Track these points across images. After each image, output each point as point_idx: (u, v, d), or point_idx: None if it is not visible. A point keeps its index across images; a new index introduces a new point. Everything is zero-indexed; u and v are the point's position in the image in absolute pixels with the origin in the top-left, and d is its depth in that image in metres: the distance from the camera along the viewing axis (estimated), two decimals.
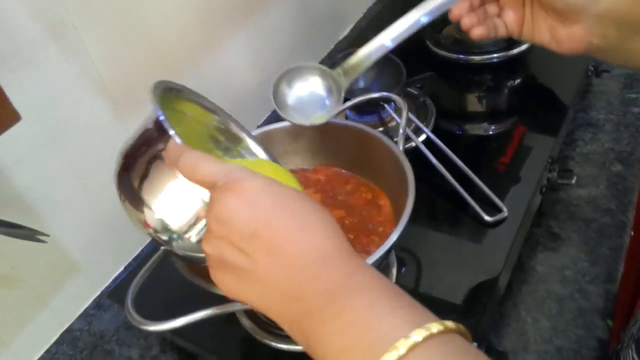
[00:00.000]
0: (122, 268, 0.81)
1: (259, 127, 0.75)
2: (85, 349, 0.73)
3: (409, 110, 0.79)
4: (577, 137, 0.88)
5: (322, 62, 1.15)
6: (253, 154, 0.57)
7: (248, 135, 0.58)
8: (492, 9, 0.54)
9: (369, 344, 0.29)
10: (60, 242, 0.72)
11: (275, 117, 1.03)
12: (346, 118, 0.83)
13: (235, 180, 0.35)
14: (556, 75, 0.91)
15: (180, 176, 0.40)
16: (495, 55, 0.96)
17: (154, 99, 0.45)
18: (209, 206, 0.36)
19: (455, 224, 0.69)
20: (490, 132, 0.84)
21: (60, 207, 0.70)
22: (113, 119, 0.74)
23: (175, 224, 0.42)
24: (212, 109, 0.56)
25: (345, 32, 1.24)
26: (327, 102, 0.59)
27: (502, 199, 0.68)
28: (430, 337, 0.29)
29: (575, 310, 0.66)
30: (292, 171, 0.66)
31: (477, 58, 0.96)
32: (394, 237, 0.48)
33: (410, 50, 1.03)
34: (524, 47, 0.95)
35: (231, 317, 0.63)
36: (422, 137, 0.78)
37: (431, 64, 0.96)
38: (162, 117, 0.41)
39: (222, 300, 0.47)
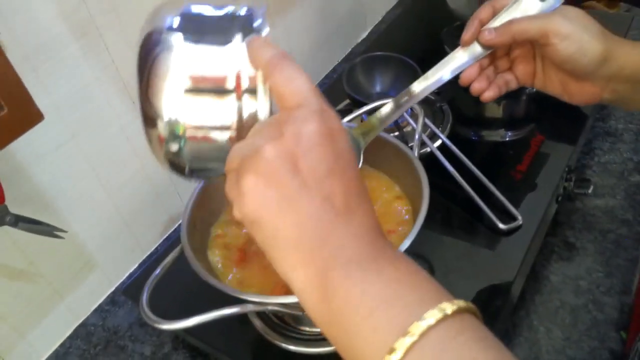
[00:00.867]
0: (136, 265, 0.82)
1: None
2: (98, 343, 0.74)
3: (425, 115, 0.78)
4: (595, 146, 0.87)
5: (339, 64, 1.16)
6: None
7: None
8: (502, 63, 0.54)
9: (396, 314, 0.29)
10: (77, 239, 0.73)
11: None
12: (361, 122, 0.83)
13: (328, 113, 0.33)
14: None
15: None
16: None
17: None
18: (288, 118, 0.33)
19: (470, 231, 0.69)
20: (507, 139, 0.83)
21: (79, 204, 0.71)
22: (132, 118, 0.75)
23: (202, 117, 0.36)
24: None
25: (364, 35, 1.24)
26: None
27: (517, 207, 0.68)
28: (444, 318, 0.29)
29: (589, 321, 0.66)
30: None
31: None
32: (407, 243, 0.48)
33: (428, 55, 1.03)
34: None
35: (243, 318, 0.63)
36: (438, 142, 0.78)
37: None
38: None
39: (235, 301, 0.47)
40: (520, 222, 0.66)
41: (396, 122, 0.80)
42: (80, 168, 0.70)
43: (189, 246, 0.52)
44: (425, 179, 0.54)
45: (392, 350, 0.28)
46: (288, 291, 0.52)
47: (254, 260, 0.57)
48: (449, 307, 0.29)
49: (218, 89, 0.36)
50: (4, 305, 0.66)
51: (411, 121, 0.78)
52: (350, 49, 1.20)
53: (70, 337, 0.75)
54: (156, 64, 0.37)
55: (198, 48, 0.36)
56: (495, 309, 0.59)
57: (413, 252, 0.66)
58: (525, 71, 0.52)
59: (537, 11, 0.48)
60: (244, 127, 0.36)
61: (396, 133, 0.81)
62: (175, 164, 0.39)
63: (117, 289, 0.80)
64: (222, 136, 0.36)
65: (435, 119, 0.84)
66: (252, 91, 0.36)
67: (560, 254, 0.74)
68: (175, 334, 0.72)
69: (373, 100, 0.70)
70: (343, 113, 0.70)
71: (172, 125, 0.37)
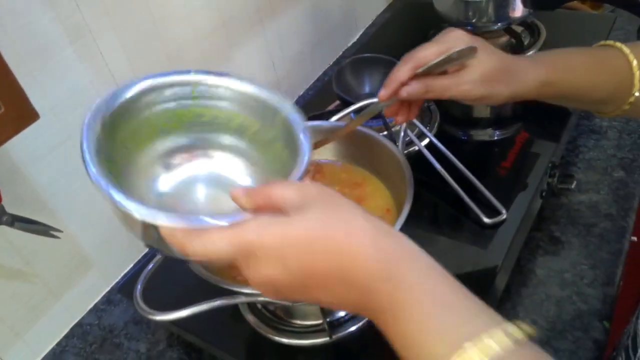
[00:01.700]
0: (132, 265, 0.83)
1: None
2: (94, 342, 0.75)
3: None
4: (580, 143, 0.89)
5: (331, 67, 1.18)
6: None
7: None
8: None
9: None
10: (73, 239, 0.74)
11: None
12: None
13: (252, 246, 0.34)
14: None
15: None
16: None
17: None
18: (245, 270, 0.35)
19: (456, 226, 0.71)
20: (496, 138, 0.85)
21: (75, 204, 0.73)
22: None
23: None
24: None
25: (355, 38, 1.26)
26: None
27: (502, 202, 0.70)
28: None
29: (573, 312, 0.68)
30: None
31: None
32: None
33: None
34: (528, 53, 0.97)
35: (236, 313, 0.64)
36: (426, 141, 0.80)
37: None
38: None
39: (227, 293, 0.49)
40: (505, 216, 0.68)
41: (384, 122, 0.82)
42: (75, 169, 0.72)
43: None
44: (409, 171, 0.56)
45: None
46: None
47: None
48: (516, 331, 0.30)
49: None
50: (1, 305, 0.68)
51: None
52: (341, 52, 1.22)
53: (66, 336, 0.76)
54: None
55: None
56: (480, 299, 0.60)
57: None
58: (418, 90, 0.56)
59: (448, 66, 0.52)
60: None
61: (385, 132, 0.82)
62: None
63: (112, 288, 0.81)
64: None
65: (423, 118, 0.86)
66: None
67: (545, 248, 0.75)
68: (170, 331, 0.73)
69: (361, 100, 0.72)
70: (332, 113, 0.72)
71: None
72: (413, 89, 0.53)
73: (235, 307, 0.65)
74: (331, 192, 0.36)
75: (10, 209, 0.61)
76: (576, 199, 0.81)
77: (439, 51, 0.52)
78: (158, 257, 0.54)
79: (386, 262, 0.33)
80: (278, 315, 0.63)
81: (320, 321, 0.60)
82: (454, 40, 0.53)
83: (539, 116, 0.86)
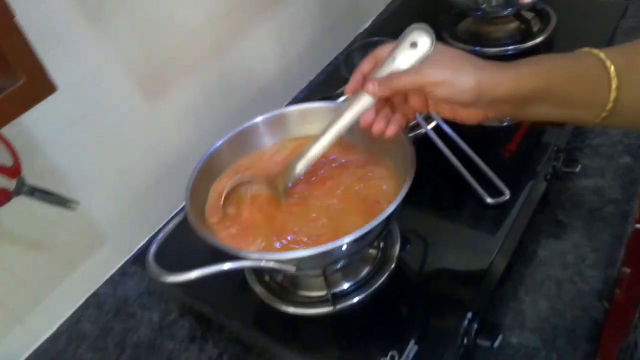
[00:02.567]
0: (145, 240, 0.86)
1: None
2: (110, 311, 0.78)
3: None
4: (587, 129, 0.90)
5: (342, 53, 1.19)
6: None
7: None
8: (397, 99, 0.57)
9: None
10: (90, 213, 0.77)
11: (292, 104, 1.08)
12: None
13: None
14: None
15: None
16: (510, 47, 0.99)
17: None
18: None
19: (459, 206, 0.72)
20: (505, 124, 0.85)
21: (91, 179, 0.76)
22: (140, 101, 0.79)
23: None
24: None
25: (366, 24, 1.27)
26: None
27: (505, 183, 0.71)
28: None
29: (573, 292, 0.69)
30: None
31: (492, 50, 0.99)
32: (391, 208, 0.52)
33: None
34: (538, 40, 0.97)
35: (244, 284, 0.67)
36: (433, 124, 0.81)
37: None
38: None
39: (234, 259, 0.52)
40: (507, 197, 0.69)
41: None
42: (91, 145, 0.75)
43: (191, 210, 0.56)
44: (411, 148, 0.58)
45: None
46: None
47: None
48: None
49: None
50: (22, 273, 0.71)
51: None
52: (352, 39, 1.24)
53: (83, 305, 0.80)
54: None
55: None
56: (480, 275, 0.62)
57: (406, 227, 0.69)
58: (418, 102, 0.56)
59: (414, 60, 0.52)
60: None
61: None
62: None
63: (127, 261, 0.84)
64: None
65: None
66: None
67: (548, 230, 0.77)
68: (182, 302, 0.76)
69: None
70: (340, 95, 0.74)
71: None
72: (377, 88, 0.53)
73: (243, 279, 0.68)
74: None
75: (30, 181, 0.64)
76: (581, 184, 0.82)
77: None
78: (171, 225, 0.57)
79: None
80: (284, 287, 0.65)
81: (324, 292, 0.62)
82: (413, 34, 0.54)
83: None
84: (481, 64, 0.52)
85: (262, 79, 1.01)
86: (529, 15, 1.02)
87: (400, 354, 0.56)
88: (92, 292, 0.81)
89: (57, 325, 0.78)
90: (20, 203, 0.66)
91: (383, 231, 0.59)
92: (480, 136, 0.84)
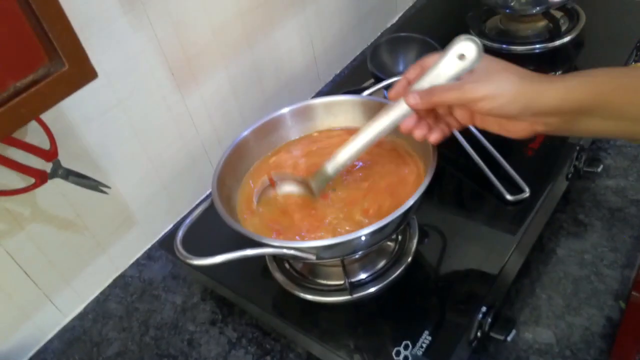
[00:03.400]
0: (172, 225, 0.89)
1: None
2: (135, 293, 0.81)
3: None
4: None
5: (369, 47, 1.20)
6: None
7: None
8: (442, 109, 0.56)
9: None
10: (120, 197, 0.80)
11: (319, 97, 1.09)
12: (384, 98, 0.87)
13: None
14: (597, 67, 0.93)
15: None
16: (537, 46, 0.98)
17: None
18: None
19: (479, 202, 0.73)
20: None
21: (122, 165, 0.79)
22: (172, 89, 0.82)
23: None
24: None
25: (394, 20, 1.28)
26: None
27: (526, 181, 0.72)
28: None
29: (590, 291, 0.69)
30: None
31: (519, 48, 0.99)
32: (410, 202, 0.53)
33: (453, 38, 1.07)
34: (566, 39, 0.97)
35: (265, 271, 0.69)
36: None
37: None
38: None
39: (257, 246, 0.54)
40: (527, 194, 0.70)
41: None
42: (124, 132, 0.78)
43: (218, 197, 0.58)
44: (433, 145, 0.59)
45: None
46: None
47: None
48: None
49: None
50: (53, 253, 0.74)
51: None
52: (379, 33, 1.24)
53: (110, 286, 0.83)
54: None
55: None
56: (496, 271, 0.63)
57: (425, 221, 0.71)
58: (463, 114, 0.54)
59: (459, 71, 0.51)
60: None
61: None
62: None
63: (153, 245, 0.87)
64: None
65: None
66: None
67: (568, 229, 0.77)
68: (204, 286, 0.79)
69: (393, 76, 0.75)
70: (366, 89, 0.75)
71: None
72: (417, 100, 0.52)
73: (264, 266, 0.70)
74: None
75: (65, 164, 0.67)
76: (603, 184, 0.82)
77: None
78: (198, 210, 0.59)
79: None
80: (304, 275, 0.67)
81: (341, 282, 0.64)
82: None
83: None
84: (528, 75, 0.50)
85: (289, 72, 1.03)
86: (557, 14, 1.02)
87: (414, 344, 0.58)
88: (119, 273, 0.84)
89: (85, 305, 0.81)
90: (55, 185, 0.69)
91: (402, 224, 0.60)
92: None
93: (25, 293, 0.73)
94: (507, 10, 1.00)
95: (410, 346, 0.58)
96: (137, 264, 0.85)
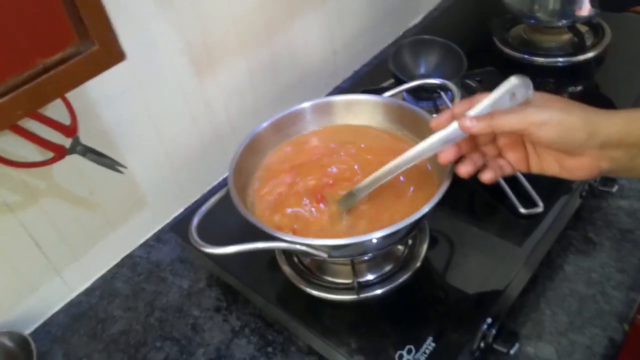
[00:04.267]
0: (182, 209, 0.90)
1: None
2: (142, 273, 0.82)
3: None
4: None
5: (389, 46, 1.20)
6: None
7: None
8: (489, 150, 0.53)
9: None
10: (133, 177, 0.81)
11: (336, 93, 1.09)
12: (403, 99, 0.87)
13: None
14: (618, 86, 0.92)
15: None
16: (560, 59, 0.98)
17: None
18: None
19: (492, 212, 0.73)
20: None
21: (136, 146, 0.79)
22: (190, 76, 0.82)
23: None
24: None
25: (416, 20, 1.27)
26: None
27: (540, 195, 0.72)
28: None
29: (594, 310, 0.69)
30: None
31: (541, 60, 0.98)
32: (425, 209, 0.53)
33: (476, 44, 1.06)
34: (590, 54, 0.96)
35: (273, 263, 0.70)
36: None
37: (494, 60, 0.98)
38: None
39: (270, 239, 0.54)
40: (541, 209, 0.70)
41: (435, 105, 0.85)
42: (141, 113, 0.78)
43: (234, 187, 0.59)
44: None
45: None
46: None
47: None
48: None
49: None
50: (65, 227, 0.75)
51: (450, 104, 0.82)
52: (401, 33, 1.24)
53: (117, 265, 0.84)
54: None
55: None
56: (504, 283, 0.63)
57: (436, 227, 0.71)
58: (516, 157, 0.52)
59: (508, 108, 0.49)
60: None
61: (434, 115, 0.85)
62: None
63: (163, 228, 0.88)
64: None
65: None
66: None
67: (577, 246, 0.77)
68: (211, 273, 0.80)
69: (414, 80, 0.74)
70: (385, 90, 0.75)
71: None
72: (474, 123, 0.49)
73: (273, 258, 0.70)
74: None
75: (83, 140, 0.68)
76: (616, 204, 0.81)
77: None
78: (213, 199, 0.59)
79: None
80: (311, 270, 0.68)
81: (349, 280, 0.64)
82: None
83: None
84: (588, 106, 0.49)
85: (307, 66, 1.03)
86: (583, 28, 1.01)
87: (417, 349, 0.58)
88: (127, 253, 0.85)
89: (92, 281, 0.82)
90: (72, 161, 0.69)
91: (414, 230, 0.60)
92: None
93: (35, 265, 0.74)
94: (532, 21, 0.99)
95: (414, 351, 0.58)
96: (146, 245, 0.86)
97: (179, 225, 0.78)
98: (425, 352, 0.58)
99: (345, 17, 1.07)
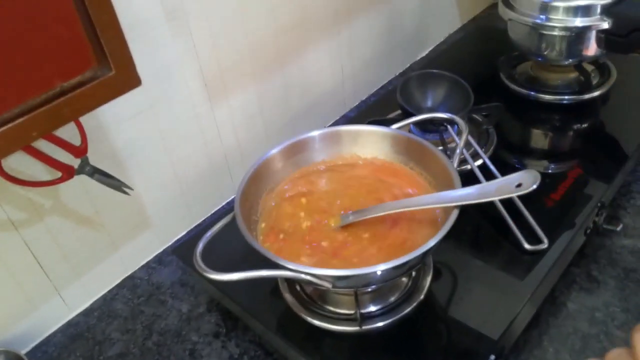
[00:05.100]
0: (184, 232, 0.90)
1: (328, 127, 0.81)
2: (142, 295, 0.82)
3: (471, 135, 0.83)
4: (633, 189, 0.89)
5: (396, 78, 1.21)
6: None
7: None
8: None
9: None
10: (139, 198, 0.81)
11: (343, 121, 1.10)
12: (410, 131, 0.88)
13: None
14: (624, 125, 0.93)
15: None
16: (566, 97, 0.99)
17: None
18: None
19: (496, 247, 0.73)
20: (550, 171, 0.86)
21: (145, 167, 0.80)
22: (203, 100, 0.83)
23: None
24: None
25: (424, 53, 1.29)
26: None
27: (545, 231, 0.72)
28: None
29: (598, 350, 0.69)
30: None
31: (547, 97, 0.99)
32: (431, 243, 0.53)
33: (483, 79, 1.08)
34: (595, 93, 0.97)
35: (275, 290, 0.69)
36: (479, 162, 0.82)
37: (500, 95, 0.99)
38: None
39: (274, 267, 0.54)
40: (546, 246, 0.70)
41: (442, 138, 0.85)
42: (151, 136, 0.79)
43: (240, 213, 0.59)
44: (459, 183, 0.59)
45: None
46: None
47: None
48: None
49: None
50: (68, 247, 0.75)
51: (456, 138, 0.83)
52: (408, 65, 1.26)
53: (118, 285, 0.83)
54: None
55: None
56: (508, 320, 0.63)
57: (440, 260, 0.71)
58: None
59: None
60: None
61: (441, 148, 0.86)
62: None
63: (165, 250, 0.88)
64: None
65: (480, 139, 0.89)
66: None
67: (581, 284, 0.77)
68: (211, 297, 0.79)
69: (421, 113, 0.75)
70: (392, 121, 0.75)
71: None
72: None
73: (275, 285, 0.70)
74: None
75: (92, 161, 0.68)
76: (620, 242, 0.81)
77: None
78: (219, 224, 0.59)
79: None
80: (313, 299, 0.67)
81: (351, 311, 0.64)
82: None
83: (596, 155, 0.87)
84: None
85: (316, 94, 1.04)
86: (589, 67, 1.02)
87: None
88: (128, 274, 0.85)
89: (91, 302, 0.81)
90: (79, 181, 0.70)
91: (419, 263, 0.60)
92: None
93: (36, 283, 0.73)
94: (539, 59, 1.00)
95: None
96: (147, 266, 0.86)
97: (182, 248, 0.78)
98: None
99: (355, 48, 1.08)
